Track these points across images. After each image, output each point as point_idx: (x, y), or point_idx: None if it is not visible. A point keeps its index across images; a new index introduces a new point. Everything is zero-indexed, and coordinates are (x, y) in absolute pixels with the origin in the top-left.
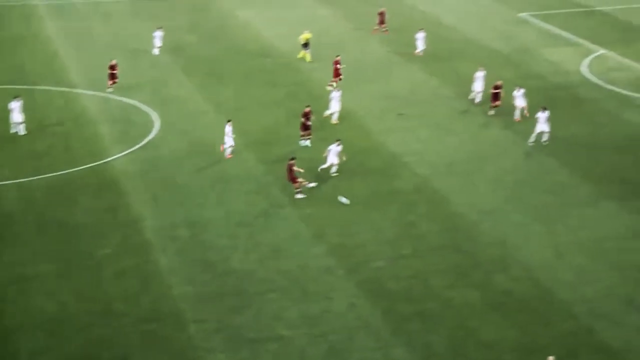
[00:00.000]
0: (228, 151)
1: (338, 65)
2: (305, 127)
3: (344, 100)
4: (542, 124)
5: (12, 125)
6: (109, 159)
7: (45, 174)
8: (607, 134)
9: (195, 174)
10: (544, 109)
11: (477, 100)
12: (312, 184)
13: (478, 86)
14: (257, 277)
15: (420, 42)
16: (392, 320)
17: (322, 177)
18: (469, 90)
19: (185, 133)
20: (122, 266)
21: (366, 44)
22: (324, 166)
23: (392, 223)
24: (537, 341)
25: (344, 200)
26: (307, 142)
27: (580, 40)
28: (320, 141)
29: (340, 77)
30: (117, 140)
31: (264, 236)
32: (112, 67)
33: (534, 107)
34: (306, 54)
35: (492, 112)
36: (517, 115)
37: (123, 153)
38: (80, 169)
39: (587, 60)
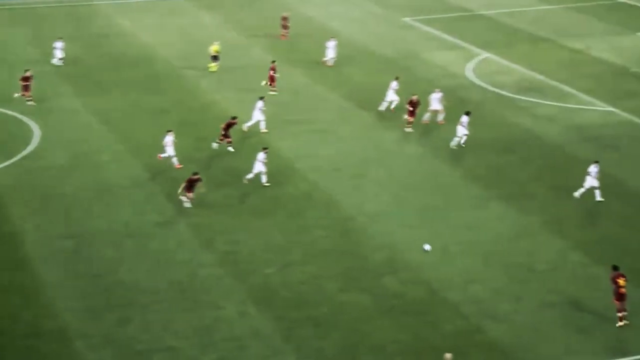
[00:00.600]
0: (174, 161)
1: (272, 72)
2: (225, 136)
3: (231, 107)
4: (463, 127)
5: None
6: None
7: None
8: (493, 135)
9: (79, 185)
10: (467, 113)
11: (382, 108)
12: (188, 204)
13: (391, 95)
14: (146, 288)
15: (331, 50)
16: (283, 327)
17: (215, 185)
18: (356, 95)
19: (68, 143)
20: (1, 282)
21: (249, 50)
22: (250, 176)
23: (282, 229)
24: (428, 342)
25: (427, 247)
26: (223, 147)
27: (464, 44)
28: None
29: (272, 84)
30: None
31: (151, 246)
32: (26, 79)
33: (422, 111)
34: (213, 65)
35: (409, 129)
36: (426, 117)
37: (1, 165)
38: None
39: (471, 64)
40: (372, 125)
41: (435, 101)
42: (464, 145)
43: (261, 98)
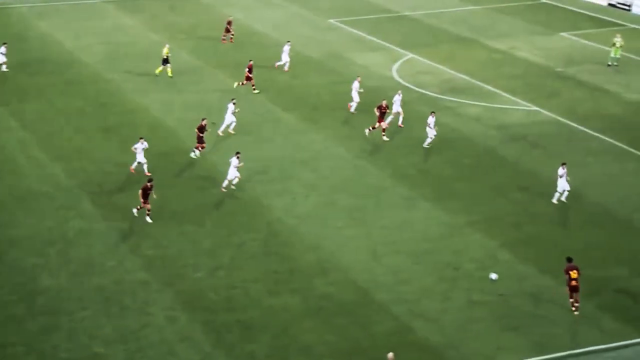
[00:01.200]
0: (145, 168)
1: (248, 71)
2: (198, 139)
3: (156, 111)
4: (431, 128)
5: None
6: None
7: None
8: (420, 135)
9: None
10: (433, 112)
11: (352, 110)
12: (149, 219)
13: (355, 96)
14: (70, 295)
15: (285, 55)
16: (212, 331)
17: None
18: (282, 97)
19: None
20: None
21: (174, 53)
22: (225, 183)
23: (210, 233)
24: (358, 343)
25: (494, 276)
26: (197, 153)
27: (389, 45)
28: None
29: (245, 83)
30: None
31: (76, 252)
32: None
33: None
34: (167, 69)
35: (384, 137)
36: (388, 120)
37: None
38: None
39: (396, 65)
40: (299, 127)
41: (397, 104)
42: (427, 147)
43: (232, 100)
